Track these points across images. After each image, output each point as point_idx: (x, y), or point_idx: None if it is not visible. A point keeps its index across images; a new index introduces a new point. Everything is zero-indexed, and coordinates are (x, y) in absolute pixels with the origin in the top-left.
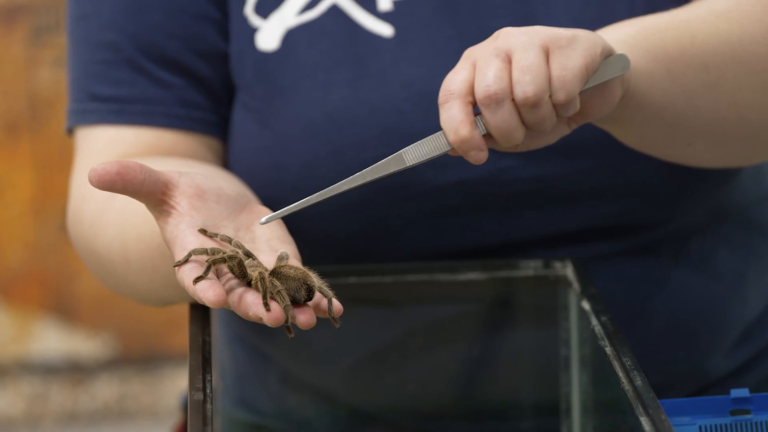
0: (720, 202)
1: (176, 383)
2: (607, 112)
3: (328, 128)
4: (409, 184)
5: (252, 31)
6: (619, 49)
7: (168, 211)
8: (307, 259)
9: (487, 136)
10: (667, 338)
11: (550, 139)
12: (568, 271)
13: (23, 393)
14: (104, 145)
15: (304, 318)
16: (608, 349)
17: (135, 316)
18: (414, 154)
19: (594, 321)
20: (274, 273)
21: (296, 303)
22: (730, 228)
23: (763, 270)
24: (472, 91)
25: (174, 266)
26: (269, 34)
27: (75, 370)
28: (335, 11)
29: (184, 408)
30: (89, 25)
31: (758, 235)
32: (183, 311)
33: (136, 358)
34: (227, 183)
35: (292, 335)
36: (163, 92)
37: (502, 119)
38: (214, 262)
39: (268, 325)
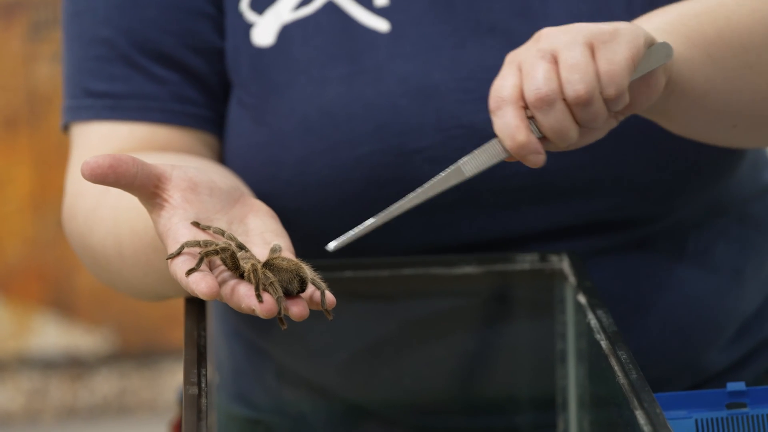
0: (716, 197)
1: (175, 378)
2: (652, 102)
3: (324, 124)
4: (405, 179)
5: (247, 26)
6: (658, 38)
7: (161, 204)
8: (303, 254)
9: (542, 138)
10: (664, 332)
11: (600, 133)
12: (564, 264)
13: (22, 388)
14: (99, 140)
15: (297, 309)
16: (604, 343)
17: (134, 311)
18: (473, 164)
19: (590, 315)
20: (267, 265)
21: (289, 295)
22: (726, 222)
23: (760, 264)
24: (522, 96)
25: (167, 259)
26: (264, 30)
27: (74, 365)
28: (331, 7)
29: (181, 402)
30: (83, 21)
31: (755, 229)
32: (182, 306)
33: (136, 353)
34: (220, 176)
35: (285, 327)
36: (157, 88)
37: (555, 120)
38: (207, 254)
39: (261, 316)
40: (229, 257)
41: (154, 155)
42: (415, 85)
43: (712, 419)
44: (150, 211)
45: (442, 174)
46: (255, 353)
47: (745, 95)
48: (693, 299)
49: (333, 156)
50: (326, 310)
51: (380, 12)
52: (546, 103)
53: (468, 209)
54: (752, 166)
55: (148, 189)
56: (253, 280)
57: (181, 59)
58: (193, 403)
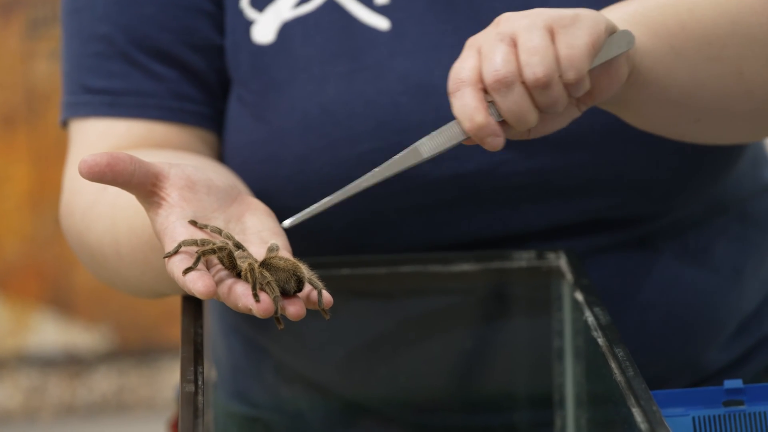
0: (717, 195)
1: (174, 375)
2: (615, 91)
3: (324, 121)
4: (404, 177)
5: (247, 24)
6: (619, 27)
7: (158, 202)
8: (302, 252)
9: (501, 122)
10: (664, 331)
11: (563, 122)
12: (562, 262)
13: (21, 386)
14: (97, 137)
15: (294, 309)
16: (601, 341)
17: (133, 309)
18: (430, 145)
19: (587, 312)
20: (264, 264)
21: (286, 294)
22: (726, 221)
23: (760, 263)
24: (481, 78)
25: (164, 257)
26: (265, 27)
27: (73, 363)
28: (331, 5)
29: (179, 400)
30: (82, 18)
31: (755, 227)
32: (179, 303)
33: (134, 351)
34: (218, 174)
35: (282, 326)
36: (156, 85)
37: (514, 102)
38: (204, 253)
39: (258, 316)
40: (226, 256)
41: (152, 153)
42: (415, 83)
43: (709, 417)
44: (147, 210)
45: (400, 154)
46: (253, 350)
47: (708, 88)
48: (693, 297)
49: (333, 153)
50: (323, 309)
51: (380, 10)
52: (504, 84)
53: (468, 207)
54: (752, 165)
55: (146, 187)
56: (250, 280)
57: (179, 56)
58: (190, 401)
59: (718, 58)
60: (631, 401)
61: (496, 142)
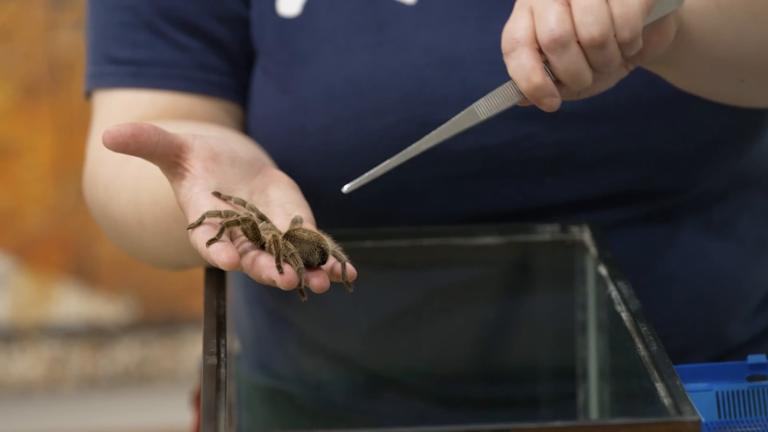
0: (741, 169)
1: (197, 347)
2: (663, 50)
3: (349, 93)
4: (430, 149)
5: None
6: None
7: (182, 174)
8: (326, 223)
9: (555, 81)
10: (687, 304)
11: (611, 82)
12: (585, 235)
13: (43, 357)
14: (121, 108)
15: (318, 281)
16: (624, 315)
17: (156, 280)
18: (486, 106)
19: (611, 286)
20: (288, 236)
21: (310, 266)
22: (751, 194)
23: None
24: (536, 38)
25: (187, 228)
26: (290, 0)
27: (95, 334)
28: None
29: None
30: None
31: None
32: (203, 275)
33: (157, 322)
34: (241, 146)
35: (305, 298)
36: (181, 55)
37: (570, 62)
38: (228, 225)
39: (281, 287)
40: (250, 228)
41: (176, 124)
42: (440, 56)
43: (732, 392)
44: (171, 181)
45: (457, 116)
46: (276, 322)
47: (754, 47)
48: (717, 270)
49: (358, 125)
50: (347, 282)
51: None
52: (560, 44)
53: (492, 180)
54: None
55: (170, 158)
56: (273, 252)
57: (204, 27)
58: (212, 373)
59: (763, 16)
60: (655, 376)
61: (553, 102)
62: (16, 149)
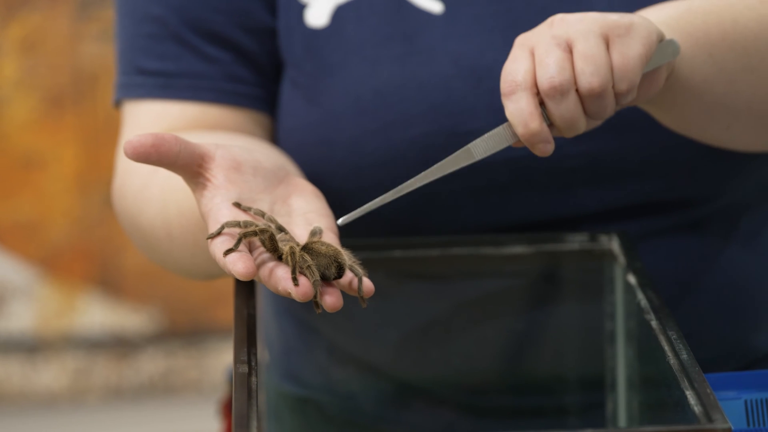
0: None
1: (222, 357)
2: (653, 95)
3: (377, 104)
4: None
5: (301, 7)
6: (663, 32)
7: (204, 183)
8: (354, 234)
9: (549, 125)
10: (715, 314)
11: (599, 122)
12: (614, 244)
13: (67, 368)
14: (150, 119)
15: (331, 300)
16: (654, 323)
17: (180, 290)
18: (482, 147)
19: (640, 295)
20: (306, 248)
21: (326, 280)
22: None
23: None
24: (535, 83)
25: (207, 239)
26: (318, 11)
27: (120, 345)
28: None
29: (230, 381)
30: None
31: None
32: (228, 285)
33: (182, 332)
34: (265, 155)
35: (320, 311)
36: (209, 67)
37: (567, 110)
38: (246, 235)
39: (297, 299)
40: (267, 239)
41: (201, 134)
42: (468, 66)
43: (761, 400)
44: (193, 191)
45: (453, 155)
46: (305, 332)
47: (743, 98)
48: (744, 281)
49: (386, 136)
50: (361, 297)
51: None
52: (559, 92)
53: (521, 191)
54: None
55: (192, 168)
56: (290, 263)
57: (232, 38)
58: (244, 381)
59: (756, 70)
60: (685, 384)
61: (546, 148)
62: (41, 160)
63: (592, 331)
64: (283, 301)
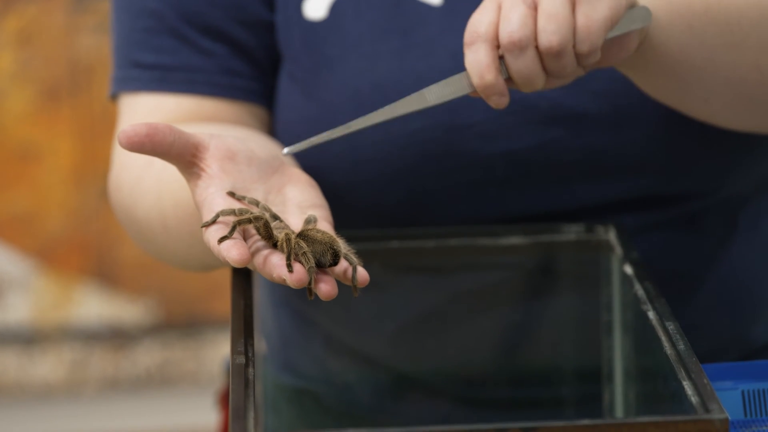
0: (766, 172)
1: (219, 349)
2: (621, 60)
3: (375, 98)
4: (456, 154)
5: (299, 0)
6: (640, 1)
7: (198, 173)
8: (351, 227)
9: (508, 79)
10: (713, 306)
11: (567, 81)
12: (611, 235)
13: (64, 359)
14: (146, 112)
15: (326, 288)
16: (651, 314)
17: (177, 282)
18: (437, 93)
19: (637, 286)
20: (301, 235)
21: (322, 267)
22: None
23: None
24: (497, 35)
25: (201, 227)
26: (317, 4)
27: (116, 336)
28: None
29: (228, 373)
30: None
31: None
32: (225, 276)
33: (178, 324)
34: (260, 145)
35: (312, 297)
36: (205, 60)
37: (524, 65)
38: (240, 223)
39: (291, 286)
40: (262, 226)
41: (197, 125)
42: None
43: (758, 390)
44: (188, 181)
45: (406, 98)
46: (302, 323)
47: (723, 72)
48: (741, 274)
49: (384, 130)
50: (354, 286)
51: None
52: (518, 47)
53: (519, 185)
54: None
55: (186, 158)
56: (285, 250)
57: (229, 32)
58: (241, 372)
59: (737, 47)
60: (682, 374)
61: (501, 101)
62: (37, 153)
63: (589, 322)
64: (281, 293)
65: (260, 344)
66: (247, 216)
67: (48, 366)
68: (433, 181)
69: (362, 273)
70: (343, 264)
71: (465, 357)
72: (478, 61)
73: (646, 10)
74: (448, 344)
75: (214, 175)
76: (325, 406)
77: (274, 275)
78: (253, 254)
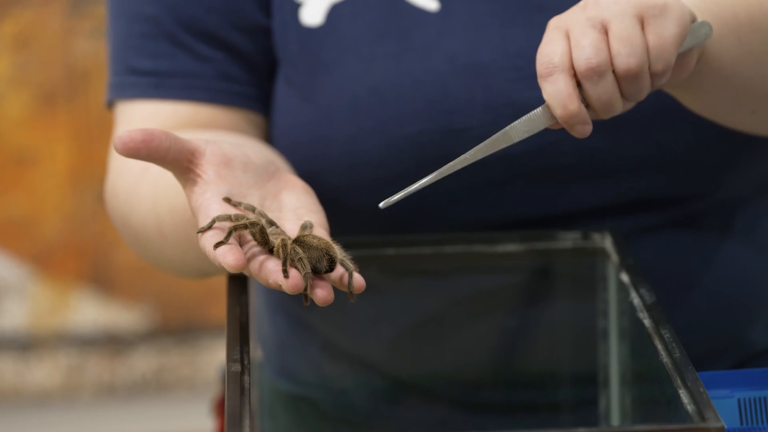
0: (765, 174)
1: (215, 355)
2: (683, 78)
3: (372, 102)
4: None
5: (296, 6)
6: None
7: (194, 179)
8: (349, 231)
9: (586, 106)
10: (711, 310)
11: (633, 104)
12: (607, 242)
13: (60, 365)
14: (142, 119)
15: (322, 293)
16: (647, 321)
17: (173, 287)
18: (520, 129)
19: (633, 293)
20: (297, 241)
21: (318, 273)
22: None
23: None
24: (572, 64)
25: (197, 233)
26: (313, 9)
27: (112, 342)
28: None
29: (224, 380)
30: None
31: None
32: (221, 282)
33: (175, 330)
34: (255, 151)
35: (308, 303)
36: (202, 66)
37: (604, 91)
38: (236, 228)
39: (287, 292)
40: (258, 232)
41: (194, 132)
42: (463, 63)
43: (755, 398)
44: (184, 187)
45: (492, 137)
46: (299, 328)
47: None
48: (740, 277)
49: (381, 134)
50: (350, 292)
51: None
52: (597, 73)
53: (516, 187)
54: None
55: (182, 164)
56: (281, 256)
57: (225, 38)
58: (236, 380)
59: None
60: (678, 382)
61: (585, 129)
62: (34, 157)
63: (585, 329)
64: (277, 298)
65: (256, 350)
66: (243, 222)
67: (44, 371)
68: (431, 185)
69: (358, 279)
70: (339, 270)
71: (462, 362)
72: (558, 92)
73: (707, 25)
74: (446, 350)
75: (210, 181)
76: (322, 412)
77: (270, 281)
78: (249, 260)
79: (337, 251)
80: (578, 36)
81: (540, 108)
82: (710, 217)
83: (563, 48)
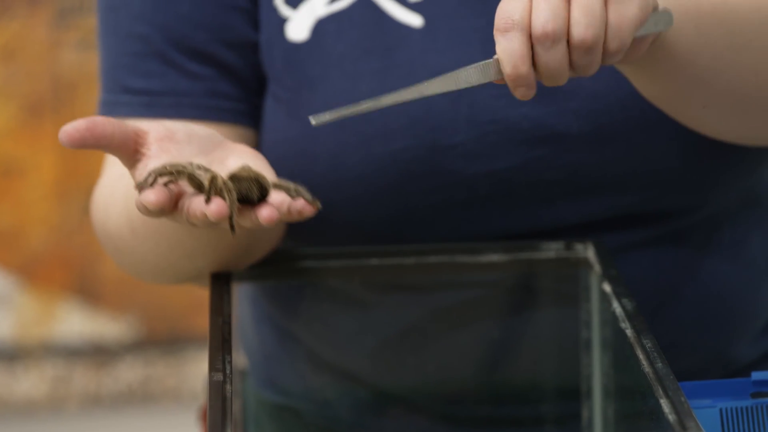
0: (751, 188)
1: (201, 365)
2: (635, 59)
3: (357, 118)
4: (439, 173)
5: (281, 21)
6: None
7: (139, 159)
8: (335, 243)
9: None
10: (696, 325)
11: (586, 75)
12: (590, 253)
13: (46, 375)
14: None
15: (266, 212)
16: (629, 332)
17: (159, 298)
18: (466, 77)
19: (615, 303)
20: (229, 177)
21: (251, 203)
22: (761, 213)
23: None
24: (529, 25)
25: (134, 188)
26: (299, 25)
27: (98, 353)
28: (365, 1)
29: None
30: (119, 16)
31: None
32: (207, 293)
33: (160, 341)
34: (201, 128)
35: (234, 232)
36: (192, 84)
37: (554, 59)
38: (161, 174)
39: (211, 219)
40: (187, 177)
41: None
42: None
43: (736, 408)
44: (130, 170)
45: (439, 78)
46: (285, 339)
47: (724, 77)
48: (727, 291)
49: (366, 150)
50: (308, 200)
51: (414, 7)
52: (551, 39)
53: (501, 203)
54: None
55: (130, 147)
56: (206, 187)
57: (215, 54)
58: (218, 389)
59: (740, 49)
60: (659, 392)
61: (528, 93)
62: (20, 168)
63: (568, 340)
64: (263, 309)
65: (240, 360)
66: (169, 169)
67: (30, 382)
68: (416, 200)
69: (301, 202)
70: (279, 196)
71: (445, 374)
72: (512, 50)
73: (669, 15)
74: (429, 361)
75: (152, 155)
76: (306, 422)
77: (198, 213)
78: (178, 203)
79: (270, 178)
80: None
81: (490, 60)
82: (696, 232)
83: (525, 6)
